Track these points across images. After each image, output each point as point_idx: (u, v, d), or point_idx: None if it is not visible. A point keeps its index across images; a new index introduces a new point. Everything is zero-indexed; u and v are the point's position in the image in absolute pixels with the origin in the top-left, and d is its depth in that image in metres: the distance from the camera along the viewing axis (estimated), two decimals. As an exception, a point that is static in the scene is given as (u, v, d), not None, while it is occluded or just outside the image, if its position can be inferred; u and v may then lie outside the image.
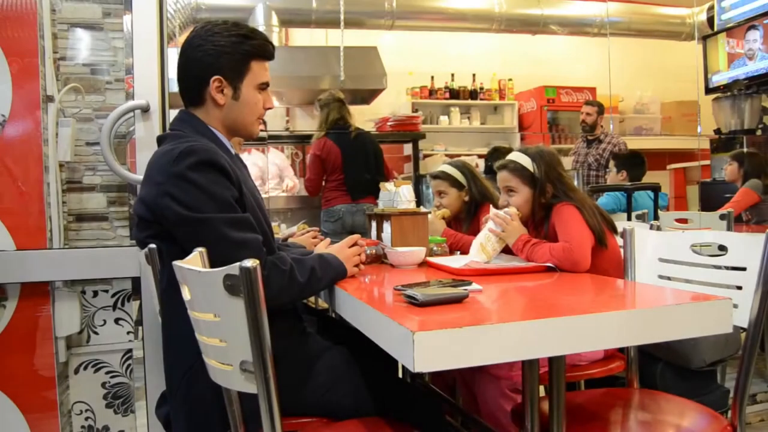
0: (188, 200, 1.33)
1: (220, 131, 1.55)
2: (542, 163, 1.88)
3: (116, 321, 2.21)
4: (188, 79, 1.53)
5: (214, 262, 1.20)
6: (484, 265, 1.71)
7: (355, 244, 1.61)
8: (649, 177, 3.98)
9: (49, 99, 2.10)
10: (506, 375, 1.75)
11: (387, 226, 1.96)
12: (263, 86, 1.56)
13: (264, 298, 1.00)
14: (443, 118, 5.73)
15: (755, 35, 4.32)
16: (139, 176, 2.09)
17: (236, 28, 1.52)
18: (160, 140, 1.54)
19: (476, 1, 4.68)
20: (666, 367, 2.12)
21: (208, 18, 4.14)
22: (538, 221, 1.92)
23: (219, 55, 1.49)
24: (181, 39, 4.19)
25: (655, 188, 3.62)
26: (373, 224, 2.15)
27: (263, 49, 1.55)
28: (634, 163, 3.95)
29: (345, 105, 3.71)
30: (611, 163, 4.08)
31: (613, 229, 1.88)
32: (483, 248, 1.81)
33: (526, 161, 1.89)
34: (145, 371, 2.10)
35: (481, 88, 5.82)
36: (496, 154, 4.23)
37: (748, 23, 4.37)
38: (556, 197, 1.86)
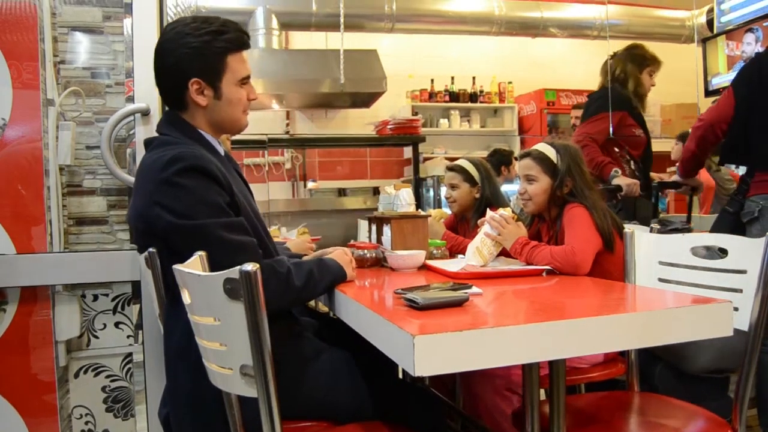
0: (179, 207, 1.31)
1: (208, 131, 1.52)
2: (566, 156, 1.91)
3: (116, 325, 2.21)
4: (166, 85, 1.50)
5: (212, 266, 1.20)
6: (483, 269, 1.71)
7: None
8: (649, 179, 3.97)
9: (50, 102, 2.10)
10: (503, 372, 1.74)
11: (387, 230, 1.95)
12: (244, 80, 1.52)
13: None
14: (443, 121, 5.73)
15: (751, 38, 4.32)
16: (139, 180, 2.09)
17: (206, 24, 1.46)
18: (147, 144, 1.52)
19: (476, 4, 4.67)
20: (666, 371, 2.11)
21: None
22: (552, 219, 1.93)
23: (193, 57, 1.44)
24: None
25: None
26: (373, 227, 2.15)
27: (238, 42, 1.49)
28: None
29: None
30: None
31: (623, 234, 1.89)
32: (479, 252, 1.80)
33: (550, 152, 1.93)
34: (145, 375, 2.09)
35: (481, 91, 5.82)
36: (497, 156, 4.24)
37: (748, 26, 4.37)
38: (573, 195, 1.88)
